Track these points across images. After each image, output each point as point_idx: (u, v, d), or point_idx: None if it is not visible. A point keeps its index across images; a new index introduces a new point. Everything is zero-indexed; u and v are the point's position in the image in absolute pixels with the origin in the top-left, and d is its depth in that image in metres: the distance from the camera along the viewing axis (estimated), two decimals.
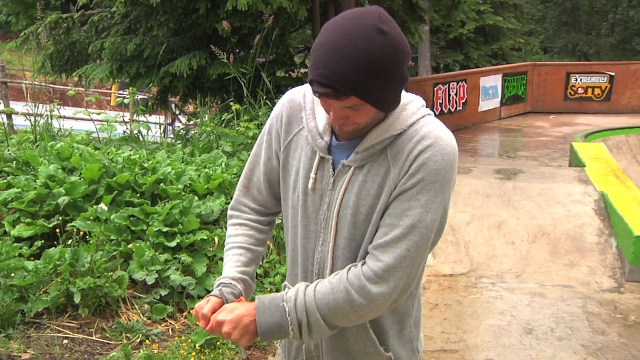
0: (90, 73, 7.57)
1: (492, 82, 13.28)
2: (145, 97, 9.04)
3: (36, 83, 7.27)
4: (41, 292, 3.47)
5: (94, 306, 3.50)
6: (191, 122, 8.48)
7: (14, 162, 4.84)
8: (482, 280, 4.77)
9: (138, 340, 3.35)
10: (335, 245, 1.45)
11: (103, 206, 4.09)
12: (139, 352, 3.19)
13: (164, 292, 3.67)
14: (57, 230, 3.83)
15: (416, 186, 1.33)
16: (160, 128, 7.76)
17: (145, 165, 4.73)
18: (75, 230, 3.85)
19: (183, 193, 4.44)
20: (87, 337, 3.33)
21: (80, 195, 4.19)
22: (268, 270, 4.12)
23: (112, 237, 3.90)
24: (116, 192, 4.27)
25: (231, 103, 6.35)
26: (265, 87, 6.62)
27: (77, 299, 3.39)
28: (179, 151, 5.43)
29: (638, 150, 10.23)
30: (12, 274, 3.43)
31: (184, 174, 4.68)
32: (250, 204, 1.65)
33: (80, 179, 4.33)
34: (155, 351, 3.21)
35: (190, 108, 9.41)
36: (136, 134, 6.23)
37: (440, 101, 11.92)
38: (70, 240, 3.81)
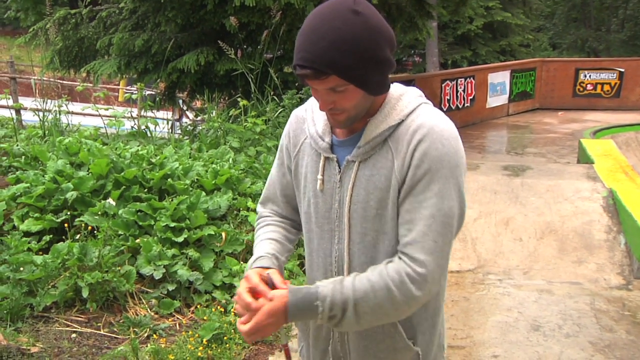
0: (98, 69, 7.58)
1: (500, 79, 13.23)
2: (153, 92, 9.04)
3: (45, 79, 7.29)
4: (50, 287, 3.49)
5: (102, 301, 3.52)
6: (199, 118, 8.49)
7: (23, 157, 4.87)
8: (489, 276, 4.76)
9: (145, 334, 3.37)
10: (350, 241, 1.45)
11: (111, 201, 4.11)
12: (147, 346, 3.21)
13: (171, 287, 3.69)
14: (66, 225, 3.85)
15: (425, 177, 1.33)
16: (167, 124, 7.78)
17: (153, 160, 4.74)
18: (83, 225, 3.87)
19: (190, 188, 4.45)
20: (95, 331, 3.35)
21: (89, 190, 4.21)
22: None
23: (119, 232, 3.91)
24: (124, 187, 4.28)
25: (239, 99, 6.35)
26: (272, 83, 6.61)
27: (85, 294, 3.41)
28: (186, 147, 5.44)
29: None
30: (21, 268, 3.46)
31: (191, 170, 4.69)
32: (275, 211, 1.68)
33: (88, 174, 4.35)
34: (163, 346, 3.22)
35: (198, 104, 9.42)
36: (144, 129, 6.25)
37: (448, 97, 11.88)
38: (78, 235, 3.83)
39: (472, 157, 8.72)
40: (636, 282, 4.63)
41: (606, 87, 13.90)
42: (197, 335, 3.31)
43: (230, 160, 5.13)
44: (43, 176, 4.34)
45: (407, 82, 11.35)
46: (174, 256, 3.79)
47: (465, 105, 12.34)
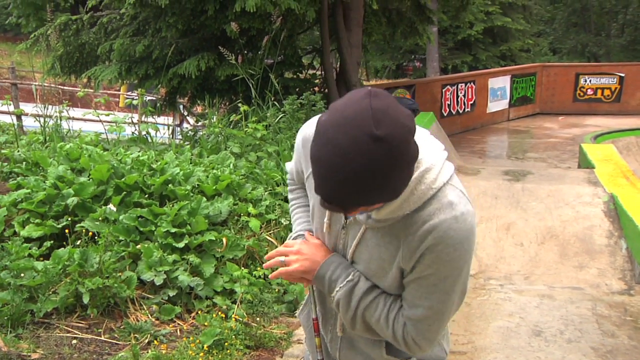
0: (99, 74, 7.60)
1: (500, 84, 13.25)
2: (154, 98, 9.06)
3: (46, 84, 7.29)
4: (50, 293, 3.48)
5: (103, 306, 3.51)
6: (199, 123, 8.51)
7: (24, 163, 4.87)
8: (490, 281, 4.75)
9: (146, 340, 3.36)
10: None
11: (112, 207, 4.11)
12: (147, 352, 3.20)
13: (172, 293, 3.68)
14: (66, 230, 3.85)
15: (432, 276, 1.33)
16: (168, 129, 7.79)
17: (154, 166, 4.74)
18: (84, 230, 3.87)
19: (191, 194, 4.45)
20: (96, 337, 3.34)
21: (89, 196, 4.21)
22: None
23: (120, 238, 3.91)
24: (125, 193, 4.28)
25: (239, 104, 6.36)
26: (273, 89, 6.62)
27: (86, 300, 3.40)
28: (187, 152, 5.45)
29: None
30: (22, 274, 3.45)
31: (192, 175, 4.69)
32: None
33: (89, 180, 4.35)
34: (164, 352, 3.22)
35: (199, 109, 9.44)
36: (145, 135, 6.25)
37: (449, 102, 11.90)
38: (79, 241, 3.82)
39: (473, 162, 8.73)
40: (638, 287, 4.63)
41: (606, 92, 13.92)
42: (198, 341, 3.31)
43: (231, 165, 5.13)
44: (44, 182, 4.34)
45: (408, 87, 11.39)
46: (175, 262, 3.79)
47: (466, 110, 12.36)
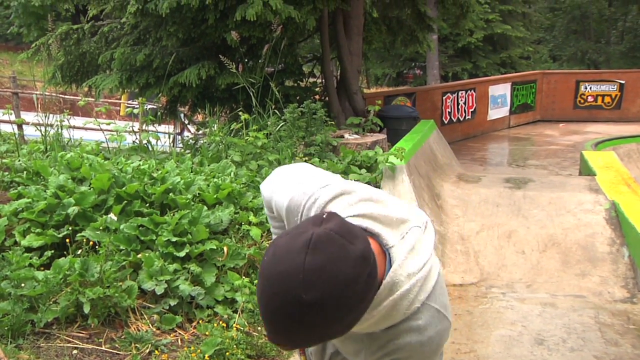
0: (100, 83, 7.61)
1: (501, 91, 13.27)
2: (155, 107, 9.07)
3: (47, 93, 7.30)
4: (51, 302, 3.47)
5: (104, 316, 3.50)
6: (200, 132, 8.51)
7: (25, 172, 4.87)
8: (492, 290, 4.74)
9: (147, 350, 3.34)
10: None
11: (112, 216, 4.10)
12: None
13: (173, 302, 3.67)
14: (67, 240, 3.84)
15: None
16: (169, 138, 7.79)
17: (155, 175, 4.74)
18: (84, 240, 3.86)
19: (192, 203, 4.44)
20: (97, 347, 3.33)
21: (90, 205, 4.20)
22: None
23: (121, 247, 3.90)
24: (125, 202, 4.28)
25: (240, 113, 6.36)
26: (274, 97, 6.63)
27: (86, 309, 3.39)
28: (188, 161, 5.44)
29: None
30: (22, 284, 3.44)
31: (193, 184, 4.69)
32: None
33: (90, 189, 4.35)
34: None
35: (199, 118, 9.44)
36: (145, 143, 6.26)
37: (449, 110, 11.91)
38: (80, 250, 3.81)
39: (474, 169, 8.72)
40: None
41: (607, 99, 13.93)
42: (199, 350, 3.29)
43: (232, 174, 5.13)
44: (45, 191, 4.33)
45: (409, 95, 11.40)
46: (176, 271, 3.78)
47: (467, 117, 12.37)
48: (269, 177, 1.62)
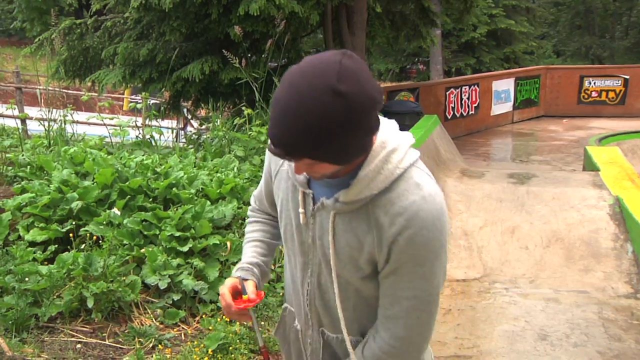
0: (103, 78, 7.61)
1: (504, 86, 13.23)
2: (158, 101, 9.07)
3: (50, 88, 7.31)
4: (55, 297, 3.48)
5: (107, 311, 3.51)
6: (203, 127, 8.51)
7: (28, 167, 4.87)
8: (495, 285, 4.73)
9: (151, 345, 3.35)
10: (320, 275, 1.46)
11: (116, 211, 4.11)
12: (152, 356, 3.19)
13: (176, 297, 3.67)
14: (71, 234, 3.85)
15: (409, 262, 1.30)
16: (172, 133, 7.80)
17: (158, 170, 4.74)
18: (88, 234, 3.87)
19: (195, 198, 4.45)
20: (100, 341, 3.34)
21: (94, 200, 4.21)
22: (280, 275, 4.11)
23: (124, 242, 3.91)
24: (129, 196, 4.28)
25: (243, 108, 6.36)
26: None
27: (90, 304, 3.40)
28: (191, 156, 5.45)
29: None
30: (26, 279, 3.45)
31: (196, 179, 4.69)
32: (264, 209, 1.76)
33: (93, 184, 4.35)
34: (168, 356, 3.21)
35: (203, 113, 9.44)
36: (149, 138, 6.26)
37: (453, 105, 11.88)
38: (83, 245, 3.82)
39: (477, 165, 8.71)
40: None
41: (611, 94, 13.89)
42: (202, 345, 3.30)
43: (235, 169, 5.13)
44: (48, 186, 4.34)
45: (412, 90, 11.37)
46: (179, 266, 3.78)
47: (470, 113, 12.34)
48: None
